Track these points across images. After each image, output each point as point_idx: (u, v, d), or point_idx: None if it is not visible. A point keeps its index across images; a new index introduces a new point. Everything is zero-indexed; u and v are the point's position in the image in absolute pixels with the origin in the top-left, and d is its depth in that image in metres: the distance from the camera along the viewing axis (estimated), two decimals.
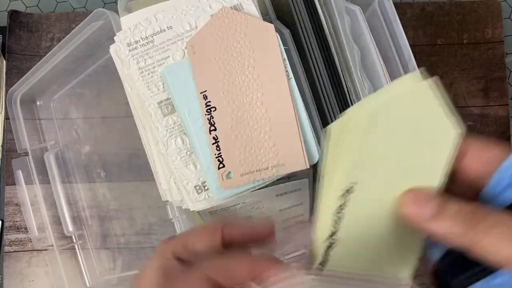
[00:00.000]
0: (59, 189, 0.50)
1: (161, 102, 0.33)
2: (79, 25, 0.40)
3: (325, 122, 0.34)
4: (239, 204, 0.37)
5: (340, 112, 0.34)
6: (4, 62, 0.56)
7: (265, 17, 0.35)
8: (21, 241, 0.53)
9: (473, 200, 0.20)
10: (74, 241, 0.51)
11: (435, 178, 0.20)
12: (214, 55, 0.32)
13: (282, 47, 0.31)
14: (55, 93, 0.51)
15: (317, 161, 0.31)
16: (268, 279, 0.20)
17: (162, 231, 0.50)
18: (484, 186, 0.20)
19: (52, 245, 0.48)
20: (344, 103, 0.34)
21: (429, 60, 0.57)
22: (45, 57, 0.44)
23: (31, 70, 0.45)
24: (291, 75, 0.31)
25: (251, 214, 0.40)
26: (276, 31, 0.32)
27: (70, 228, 0.50)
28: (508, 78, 0.57)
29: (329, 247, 0.22)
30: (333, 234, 0.21)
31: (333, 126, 0.21)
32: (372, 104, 0.19)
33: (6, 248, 0.53)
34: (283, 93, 0.31)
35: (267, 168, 0.31)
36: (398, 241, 0.22)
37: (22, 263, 0.53)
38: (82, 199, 0.51)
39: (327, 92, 0.34)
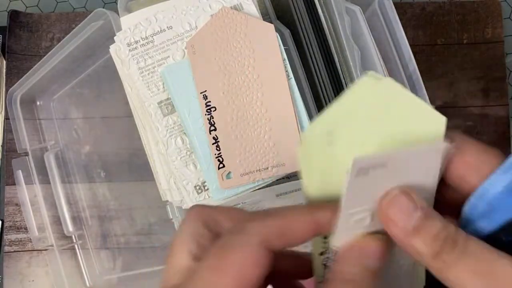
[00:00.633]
0: (59, 189, 0.50)
1: (161, 102, 0.33)
2: (79, 25, 0.40)
3: None
4: (239, 204, 0.37)
5: None
6: (4, 62, 0.56)
7: (265, 17, 0.35)
8: (21, 241, 0.53)
9: (455, 210, 0.18)
10: (74, 241, 0.51)
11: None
12: (214, 55, 0.32)
13: (282, 47, 0.31)
14: (55, 93, 0.51)
15: None
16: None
17: (162, 231, 0.50)
18: (463, 205, 0.18)
19: (52, 245, 0.48)
20: None
21: (429, 60, 0.57)
22: (45, 57, 0.44)
23: (31, 70, 0.45)
24: (291, 75, 0.31)
25: None
26: (276, 31, 0.32)
27: (70, 228, 0.50)
28: (508, 78, 0.57)
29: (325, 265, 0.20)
30: (325, 251, 0.20)
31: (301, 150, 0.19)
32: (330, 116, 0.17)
33: (6, 248, 0.53)
34: (283, 93, 0.31)
35: (267, 168, 0.31)
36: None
37: (22, 263, 0.53)
38: (82, 199, 0.51)
39: (327, 92, 0.34)
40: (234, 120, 0.32)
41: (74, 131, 0.52)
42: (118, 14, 0.35)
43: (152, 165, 0.35)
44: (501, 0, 0.58)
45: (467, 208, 0.18)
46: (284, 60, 0.31)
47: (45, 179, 0.50)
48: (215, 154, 0.32)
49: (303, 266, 0.21)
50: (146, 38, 0.33)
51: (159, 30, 0.33)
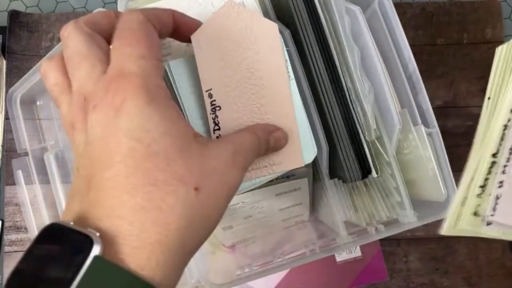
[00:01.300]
0: (59, 189, 0.50)
1: None
2: None
3: (325, 122, 0.34)
4: (239, 203, 0.37)
5: (340, 112, 0.34)
6: (4, 62, 0.56)
7: (265, 17, 0.35)
8: (21, 241, 0.53)
9: None
10: None
11: None
12: (219, 51, 0.31)
13: (285, 48, 0.31)
14: None
15: (313, 160, 0.31)
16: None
17: None
18: None
19: None
20: (344, 103, 0.34)
21: (429, 60, 0.57)
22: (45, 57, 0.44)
23: (31, 70, 0.45)
24: (292, 75, 0.31)
25: (250, 214, 0.40)
26: None
27: None
28: None
29: (491, 166, 0.22)
30: (497, 152, 0.22)
31: (504, 49, 0.22)
32: None
33: (6, 248, 0.53)
34: (284, 94, 0.31)
35: (266, 166, 0.31)
36: None
37: None
38: None
39: (327, 92, 0.34)
40: (236, 120, 0.32)
41: None
42: None
43: None
44: (501, 0, 0.58)
45: None
46: (286, 61, 0.31)
47: (45, 179, 0.50)
48: None
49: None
50: None
51: None
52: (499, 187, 0.23)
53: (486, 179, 0.23)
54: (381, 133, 0.35)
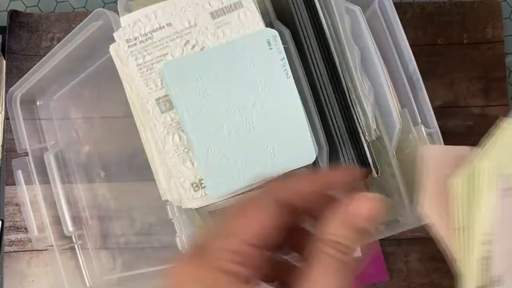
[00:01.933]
0: (59, 189, 0.50)
1: (159, 98, 0.33)
2: (79, 25, 0.40)
3: (325, 122, 0.34)
4: None
5: (340, 112, 0.34)
6: (4, 62, 0.56)
7: (265, 17, 0.35)
8: (21, 241, 0.53)
9: None
10: (74, 241, 0.51)
11: None
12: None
13: (282, 46, 0.31)
14: (55, 93, 0.51)
15: (314, 160, 0.31)
16: None
17: (162, 231, 0.50)
18: None
19: (52, 245, 0.48)
20: (344, 103, 0.34)
21: (429, 60, 0.57)
22: (45, 57, 0.44)
23: (31, 70, 0.45)
24: (290, 74, 0.31)
25: None
26: (276, 31, 0.32)
27: (70, 228, 0.50)
28: (508, 78, 0.57)
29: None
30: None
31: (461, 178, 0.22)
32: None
33: (6, 248, 0.53)
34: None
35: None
36: None
37: (22, 263, 0.53)
38: (82, 199, 0.51)
39: (327, 92, 0.34)
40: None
41: (74, 131, 0.52)
42: (118, 14, 0.35)
43: (152, 165, 0.35)
44: (501, 0, 0.58)
45: None
46: (282, 59, 0.31)
47: (45, 179, 0.50)
48: None
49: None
50: (145, 34, 0.33)
51: (158, 27, 0.33)
52: None
53: None
54: (381, 133, 0.35)
